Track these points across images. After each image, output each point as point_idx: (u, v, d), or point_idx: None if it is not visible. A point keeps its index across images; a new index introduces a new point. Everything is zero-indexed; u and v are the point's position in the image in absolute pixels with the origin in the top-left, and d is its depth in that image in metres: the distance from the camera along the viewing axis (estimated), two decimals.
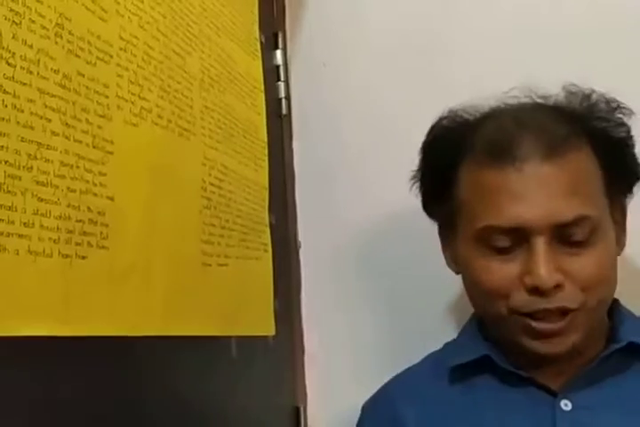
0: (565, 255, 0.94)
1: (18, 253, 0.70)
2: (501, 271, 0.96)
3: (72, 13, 0.82)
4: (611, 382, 0.99)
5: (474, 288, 1.02)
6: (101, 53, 0.87)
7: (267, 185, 1.31)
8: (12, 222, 0.70)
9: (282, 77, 1.48)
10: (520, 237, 0.95)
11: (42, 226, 0.74)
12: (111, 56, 0.89)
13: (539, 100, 1.05)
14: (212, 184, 1.10)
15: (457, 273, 1.08)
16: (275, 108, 1.44)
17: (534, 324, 0.95)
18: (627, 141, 1.03)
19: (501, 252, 0.96)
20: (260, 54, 1.35)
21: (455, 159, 1.03)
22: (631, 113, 1.03)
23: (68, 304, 0.77)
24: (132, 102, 0.92)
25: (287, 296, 1.40)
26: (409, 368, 1.15)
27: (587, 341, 0.98)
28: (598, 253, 0.95)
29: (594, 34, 1.32)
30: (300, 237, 1.48)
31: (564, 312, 0.94)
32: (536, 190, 0.95)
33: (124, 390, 0.89)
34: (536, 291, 0.94)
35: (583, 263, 0.95)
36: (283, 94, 1.48)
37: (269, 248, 1.30)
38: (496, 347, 1.04)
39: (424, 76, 1.41)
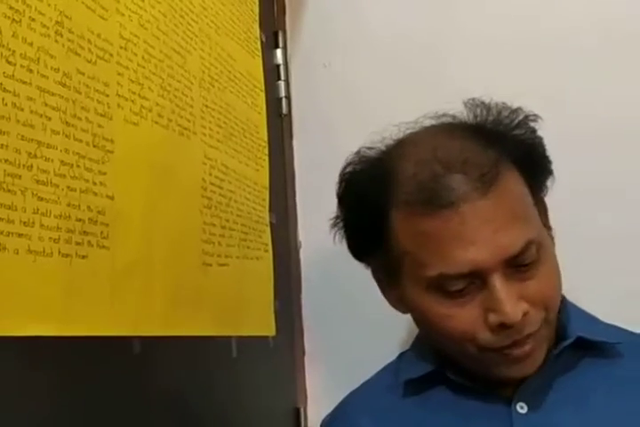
0: (521, 282, 0.93)
1: (18, 253, 0.70)
2: (462, 316, 0.93)
3: (72, 12, 0.82)
4: (563, 380, 0.99)
5: (435, 333, 0.99)
6: (101, 52, 0.87)
7: (267, 184, 1.31)
8: (12, 222, 0.70)
9: (282, 77, 1.48)
10: (474, 278, 0.92)
11: (42, 225, 0.73)
12: (111, 55, 0.88)
13: (444, 121, 1.01)
14: (212, 184, 1.10)
15: (404, 313, 1.06)
16: (275, 107, 1.43)
17: (506, 352, 0.94)
18: (539, 145, 1.01)
19: (457, 296, 0.93)
20: (260, 53, 1.35)
21: (381, 209, 0.97)
22: (537, 118, 1.00)
23: (68, 304, 0.77)
24: (133, 101, 0.92)
25: (287, 296, 1.39)
26: (365, 382, 1.14)
27: None
28: (549, 269, 0.95)
29: (591, 41, 1.32)
30: (301, 237, 1.47)
31: (531, 336, 0.94)
32: (480, 229, 0.91)
33: (123, 390, 0.88)
34: (503, 327, 0.92)
35: (540, 284, 0.94)
36: (283, 94, 1.47)
37: (270, 248, 1.29)
38: (447, 358, 1.02)
39: (424, 76, 1.41)
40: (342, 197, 1.04)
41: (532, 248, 0.92)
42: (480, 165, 0.92)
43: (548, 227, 1.02)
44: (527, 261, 0.92)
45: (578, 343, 0.98)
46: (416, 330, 1.31)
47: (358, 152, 1.04)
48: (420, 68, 1.42)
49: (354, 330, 1.41)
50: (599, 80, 1.30)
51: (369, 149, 1.03)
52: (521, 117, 0.99)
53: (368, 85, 1.46)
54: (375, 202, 0.97)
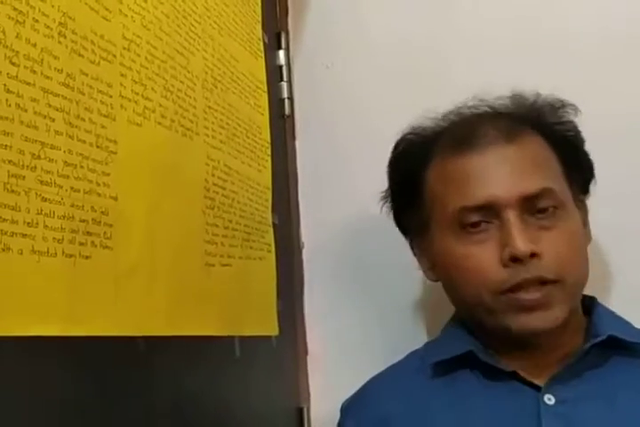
0: (537, 229, 0.99)
1: (22, 253, 0.70)
2: (479, 254, 1.00)
3: (75, 13, 0.82)
4: (591, 375, 1.00)
5: (454, 278, 1.04)
6: (105, 53, 0.87)
7: (270, 185, 1.31)
8: (16, 222, 0.70)
9: (285, 78, 1.47)
10: (492, 215, 0.99)
11: (46, 226, 0.74)
12: (114, 55, 0.89)
13: (488, 110, 1.10)
14: (215, 184, 1.10)
15: (435, 280, 1.11)
16: (277, 108, 1.44)
17: (516, 296, 0.97)
18: (576, 138, 1.09)
19: (476, 232, 1.00)
20: (262, 54, 1.35)
21: (423, 163, 1.07)
22: (577, 109, 1.08)
23: (71, 304, 0.77)
24: (136, 102, 0.92)
25: (290, 297, 1.39)
26: (390, 367, 1.16)
27: (567, 330, 1.01)
28: (567, 230, 1.00)
29: (593, 44, 1.32)
30: (303, 238, 1.48)
31: (542, 283, 0.97)
32: (501, 169, 1.01)
33: (126, 390, 0.88)
34: (514, 261, 0.97)
35: (555, 237, 0.99)
36: (285, 95, 1.47)
37: (272, 248, 1.30)
38: (479, 342, 1.05)
39: (426, 77, 1.41)
40: (392, 161, 1.14)
41: (549, 198, 1.00)
42: (509, 122, 1.05)
43: (581, 213, 1.06)
44: (543, 206, 0.99)
45: (608, 342, 1.00)
46: (418, 330, 1.32)
47: (412, 125, 1.13)
48: (421, 69, 1.42)
49: (356, 330, 1.41)
50: (599, 80, 1.30)
51: (423, 123, 1.12)
52: (556, 107, 1.08)
53: (370, 86, 1.46)
54: (419, 156, 1.08)
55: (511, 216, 0.98)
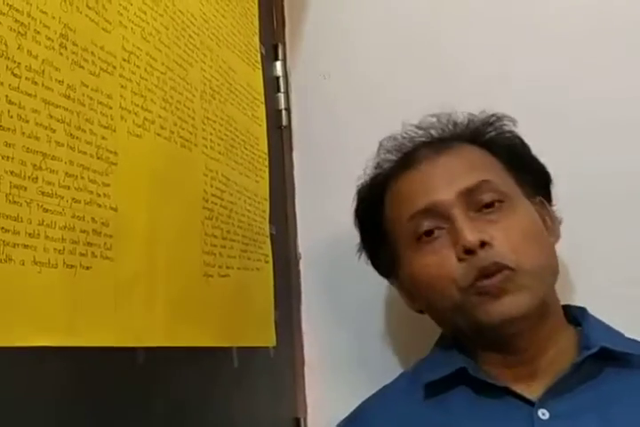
0: (485, 223, 1.02)
1: (23, 264, 0.70)
2: (438, 260, 1.03)
3: (76, 24, 0.82)
4: (585, 388, 1.00)
5: (425, 291, 1.06)
6: (105, 64, 0.87)
7: (267, 196, 1.31)
8: (18, 233, 0.70)
9: (282, 89, 1.48)
10: (441, 219, 1.04)
11: (47, 236, 0.74)
12: (114, 67, 0.89)
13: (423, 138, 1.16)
14: (213, 195, 1.10)
15: (419, 311, 1.15)
16: (275, 119, 1.44)
17: (479, 284, 0.99)
18: (519, 145, 1.14)
19: (431, 241, 1.04)
20: (260, 66, 1.35)
21: (378, 200, 1.15)
22: (513, 120, 1.14)
23: (72, 315, 0.77)
24: (136, 113, 0.92)
25: (287, 307, 1.39)
26: (383, 387, 1.15)
27: (545, 326, 1.02)
28: (517, 221, 1.03)
29: (597, 41, 1.33)
30: (300, 249, 1.48)
31: (499, 269, 0.99)
32: (437, 175, 1.07)
33: (125, 401, 0.88)
34: (468, 253, 1.00)
35: (504, 227, 1.02)
36: (283, 106, 1.48)
37: (270, 259, 1.30)
38: (470, 359, 1.06)
39: (424, 87, 1.41)
40: (354, 212, 1.21)
41: (488, 189, 1.04)
42: (443, 142, 1.13)
43: (541, 212, 1.10)
44: (487, 201, 1.03)
45: (601, 354, 1.00)
46: (415, 341, 1.32)
47: (361, 178, 1.22)
48: (418, 80, 1.43)
49: (353, 341, 1.41)
50: (598, 86, 1.31)
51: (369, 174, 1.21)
52: (492, 120, 1.14)
53: (366, 97, 1.47)
54: (373, 197, 1.16)
55: (456, 213, 1.02)
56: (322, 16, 1.52)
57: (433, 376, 1.05)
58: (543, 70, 1.33)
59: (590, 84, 1.30)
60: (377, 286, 1.39)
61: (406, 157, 1.13)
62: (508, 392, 1.01)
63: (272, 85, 1.45)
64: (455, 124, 1.15)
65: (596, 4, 1.35)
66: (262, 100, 1.35)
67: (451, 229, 1.03)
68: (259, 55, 1.36)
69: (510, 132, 1.14)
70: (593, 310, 1.10)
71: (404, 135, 1.17)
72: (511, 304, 0.99)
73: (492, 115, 1.14)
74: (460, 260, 1.01)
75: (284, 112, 1.48)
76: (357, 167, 1.43)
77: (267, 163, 1.33)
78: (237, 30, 1.26)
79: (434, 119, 1.16)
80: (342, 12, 1.51)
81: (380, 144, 1.19)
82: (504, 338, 1.02)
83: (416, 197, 1.07)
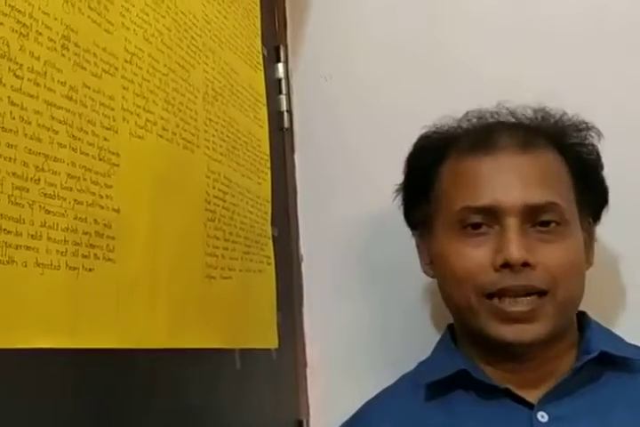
0: (536, 241, 1.00)
1: (26, 266, 0.70)
2: (473, 255, 1.01)
3: (78, 25, 0.82)
4: (585, 392, 1.00)
5: (447, 277, 1.05)
6: (107, 65, 0.87)
7: (269, 198, 1.31)
8: (20, 234, 0.70)
9: (284, 91, 1.48)
10: (494, 220, 1.00)
11: (49, 238, 0.73)
12: (116, 68, 0.89)
13: (510, 118, 1.11)
14: (215, 197, 1.10)
15: (432, 276, 1.13)
16: (276, 121, 1.44)
17: (502, 305, 0.98)
18: (595, 161, 1.10)
19: (475, 235, 1.01)
20: (262, 67, 1.35)
21: (438, 159, 1.10)
22: (600, 134, 1.09)
23: (74, 317, 0.77)
24: (138, 115, 0.92)
25: (289, 309, 1.39)
26: (384, 389, 1.16)
27: (559, 345, 1.02)
28: (568, 246, 1.01)
29: (600, 46, 1.34)
30: (302, 251, 1.48)
31: (530, 294, 0.98)
32: (511, 176, 1.02)
33: (128, 403, 0.88)
34: (505, 267, 0.98)
35: (553, 250, 0.99)
36: (284, 107, 1.48)
37: (272, 261, 1.30)
38: (471, 361, 1.05)
39: (426, 89, 1.41)
40: (410, 156, 1.16)
41: (554, 213, 1.00)
42: (528, 131, 1.07)
43: (585, 237, 1.06)
44: (545, 219, 1.00)
45: (601, 358, 1.00)
46: (417, 343, 1.32)
47: (433, 124, 1.15)
48: (421, 81, 1.43)
49: (355, 342, 1.41)
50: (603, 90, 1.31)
51: (444, 123, 1.15)
52: (580, 129, 1.10)
53: (368, 99, 1.47)
54: (436, 152, 1.10)
55: (511, 223, 0.99)
56: (323, 18, 1.52)
57: (434, 377, 1.06)
58: (544, 74, 1.33)
59: (596, 87, 1.30)
60: (379, 288, 1.40)
61: (486, 137, 1.06)
62: (508, 394, 1.01)
63: (274, 87, 1.45)
64: (544, 116, 1.11)
65: (596, 5, 1.35)
66: (264, 101, 1.35)
67: (499, 234, 1.00)
68: (260, 57, 1.35)
69: (593, 145, 1.10)
70: (594, 314, 1.10)
71: (493, 111, 1.13)
72: (522, 333, 0.99)
73: (583, 121, 1.11)
74: (494, 269, 0.99)
75: (285, 114, 1.48)
76: (359, 169, 1.44)
77: (269, 164, 1.33)
78: (239, 32, 1.26)
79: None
80: (344, 14, 1.51)
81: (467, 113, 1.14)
82: (510, 352, 1.02)
83: (481, 190, 1.02)
